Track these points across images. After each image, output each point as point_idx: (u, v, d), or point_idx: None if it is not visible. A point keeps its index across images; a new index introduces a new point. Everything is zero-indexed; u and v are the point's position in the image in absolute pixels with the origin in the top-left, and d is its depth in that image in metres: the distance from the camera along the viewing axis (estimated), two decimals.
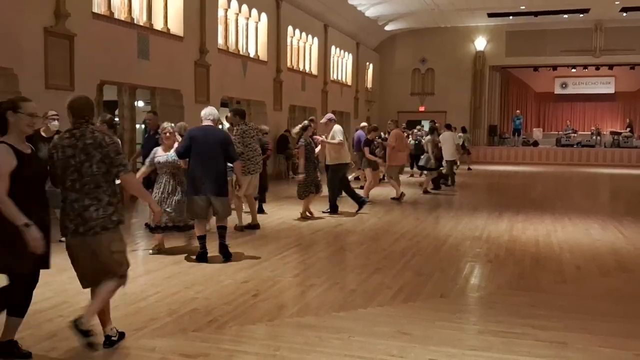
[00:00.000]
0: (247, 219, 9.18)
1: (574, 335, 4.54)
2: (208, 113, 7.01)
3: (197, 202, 6.75)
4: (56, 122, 7.62)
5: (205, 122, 6.95)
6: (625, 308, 5.37)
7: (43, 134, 7.77)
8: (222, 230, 6.97)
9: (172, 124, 7.43)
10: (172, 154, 7.01)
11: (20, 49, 9.49)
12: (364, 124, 15.35)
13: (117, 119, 12.55)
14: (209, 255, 6.92)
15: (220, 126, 7.67)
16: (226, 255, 6.93)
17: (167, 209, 6.97)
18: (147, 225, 7.49)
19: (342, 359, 4.03)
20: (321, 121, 11.28)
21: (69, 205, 4.02)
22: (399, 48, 30.17)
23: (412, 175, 18.88)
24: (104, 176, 4.01)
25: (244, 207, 9.18)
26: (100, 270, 4.08)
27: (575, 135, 29.55)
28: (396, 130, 12.96)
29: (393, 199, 12.82)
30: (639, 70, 29.63)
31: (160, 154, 7.10)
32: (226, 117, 10.21)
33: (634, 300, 5.65)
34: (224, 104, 16.75)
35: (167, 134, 7.08)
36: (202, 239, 6.91)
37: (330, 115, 11.27)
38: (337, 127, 10.84)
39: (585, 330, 4.67)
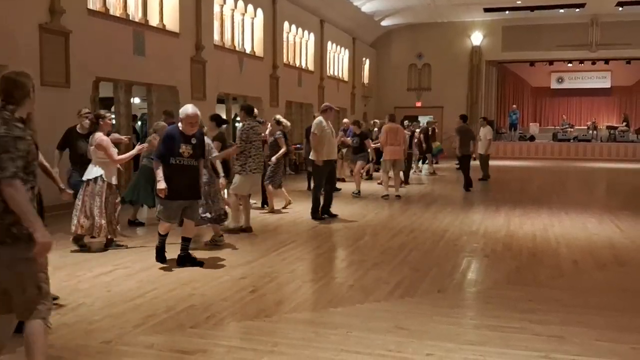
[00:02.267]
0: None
1: (571, 329, 4.55)
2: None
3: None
4: (87, 121, 7.64)
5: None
6: (622, 302, 5.38)
7: (79, 131, 7.87)
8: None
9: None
10: None
11: (15, 46, 9.45)
12: (346, 120, 15.83)
13: (113, 116, 12.53)
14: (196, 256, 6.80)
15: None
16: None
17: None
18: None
19: (339, 354, 4.03)
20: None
21: None
22: (396, 43, 30.15)
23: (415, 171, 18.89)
24: None
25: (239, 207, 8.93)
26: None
27: (572, 129, 29.60)
28: (388, 124, 12.86)
29: (383, 196, 12.56)
30: (635, 64, 29.67)
31: None
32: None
33: (631, 294, 5.66)
34: (220, 101, 16.72)
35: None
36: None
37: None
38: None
39: (582, 324, 4.68)
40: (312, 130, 9.87)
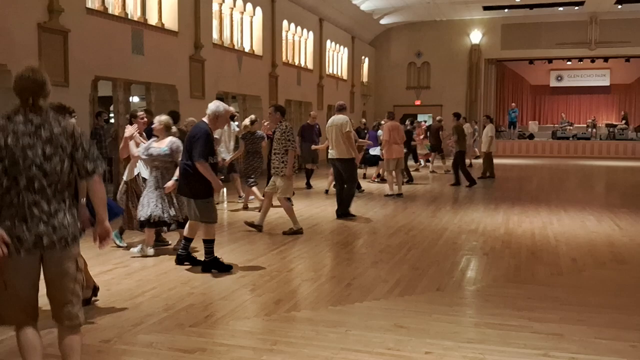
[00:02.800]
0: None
1: (570, 326, 4.55)
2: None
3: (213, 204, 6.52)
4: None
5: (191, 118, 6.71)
6: (621, 299, 5.38)
7: None
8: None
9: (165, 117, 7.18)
10: (164, 147, 6.79)
11: (13, 45, 9.44)
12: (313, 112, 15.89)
13: (112, 115, 12.54)
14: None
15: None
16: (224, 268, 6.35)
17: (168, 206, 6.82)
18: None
19: (338, 353, 4.04)
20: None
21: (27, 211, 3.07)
22: (395, 42, 30.14)
23: (417, 169, 18.88)
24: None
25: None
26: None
27: (571, 127, 29.61)
28: (390, 122, 12.85)
29: (387, 195, 12.59)
30: (634, 62, 29.67)
31: (155, 146, 6.86)
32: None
33: (630, 292, 5.67)
34: (219, 99, 16.69)
35: (158, 127, 6.88)
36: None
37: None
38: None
39: (581, 321, 4.68)
40: (346, 129, 9.72)
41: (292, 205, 8.72)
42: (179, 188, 6.49)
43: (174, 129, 7.14)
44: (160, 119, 6.94)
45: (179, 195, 6.70)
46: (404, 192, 12.83)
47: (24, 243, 3.04)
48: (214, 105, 6.48)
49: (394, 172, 12.74)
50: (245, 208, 10.73)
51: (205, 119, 6.44)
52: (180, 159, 6.55)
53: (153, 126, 7.02)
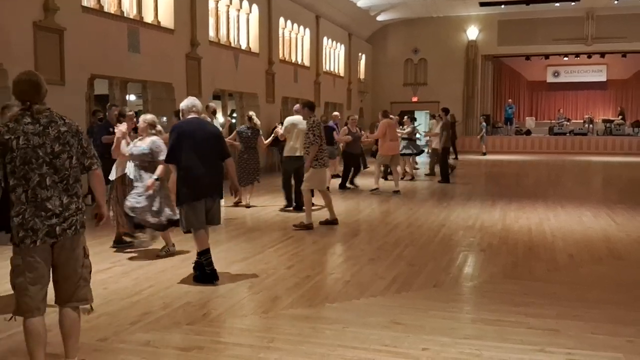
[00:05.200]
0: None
1: (566, 322, 4.57)
2: (191, 104, 5.96)
3: (199, 208, 5.72)
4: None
5: (190, 115, 5.91)
6: (617, 295, 5.40)
7: None
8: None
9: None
10: (144, 146, 6.62)
11: (9, 44, 9.41)
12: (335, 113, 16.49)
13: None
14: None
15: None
16: (209, 278, 5.72)
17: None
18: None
19: (336, 350, 4.04)
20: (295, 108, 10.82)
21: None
22: (391, 38, 30.12)
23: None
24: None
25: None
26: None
27: (568, 123, 29.63)
28: (385, 120, 12.92)
29: (372, 190, 12.78)
30: (630, 58, 29.69)
31: (138, 145, 6.73)
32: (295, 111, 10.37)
33: (626, 287, 5.68)
34: (216, 97, 16.70)
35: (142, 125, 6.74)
36: (207, 252, 5.76)
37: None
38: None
39: (578, 317, 4.70)
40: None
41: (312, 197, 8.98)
42: None
43: (158, 127, 7.02)
44: (145, 118, 6.78)
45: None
46: (400, 189, 12.83)
47: (38, 233, 3.33)
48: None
49: (381, 167, 13.18)
50: (248, 206, 10.61)
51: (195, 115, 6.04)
52: (161, 158, 6.41)
53: (138, 125, 6.92)
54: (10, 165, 3.30)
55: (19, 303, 3.38)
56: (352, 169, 13.52)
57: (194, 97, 6.17)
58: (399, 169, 13.80)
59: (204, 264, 5.71)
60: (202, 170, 5.65)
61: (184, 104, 6.00)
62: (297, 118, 10.06)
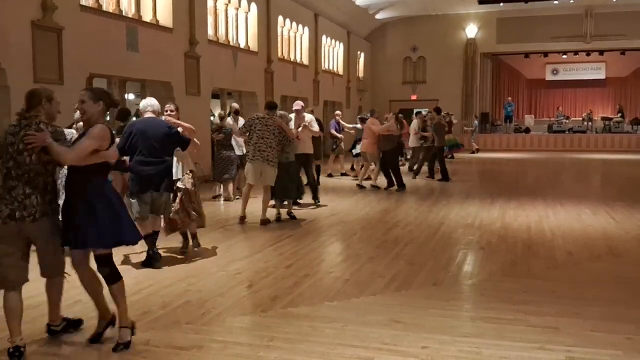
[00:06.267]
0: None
1: (565, 320, 4.57)
2: (147, 104, 6.41)
3: (144, 200, 6.26)
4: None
5: (146, 114, 6.35)
6: (616, 293, 5.41)
7: None
8: (156, 235, 6.49)
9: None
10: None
11: (7, 43, 9.39)
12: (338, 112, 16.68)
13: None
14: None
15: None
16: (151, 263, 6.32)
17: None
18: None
19: (335, 348, 4.04)
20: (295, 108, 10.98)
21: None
22: (390, 37, 30.10)
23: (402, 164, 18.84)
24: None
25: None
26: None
27: (567, 121, 29.63)
28: (373, 119, 13.13)
29: (373, 186, 13.02)
30: (629, 55, 29.67)
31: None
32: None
33: (625, 285, 5.69)
34: (215, 96, 16.68)
35: None
36: (149, 236, 6.32)
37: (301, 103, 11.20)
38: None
39: (577, 315, 4.70)
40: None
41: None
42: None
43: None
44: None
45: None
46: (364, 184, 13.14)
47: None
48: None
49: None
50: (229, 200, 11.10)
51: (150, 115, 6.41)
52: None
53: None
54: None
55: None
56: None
57: (152, 98, 6.69)
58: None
59: (148, 248, 6.35)
60: (148, 165, 6.16)
61: (141, 104, 6.51)
62: (291, 115, 10.39)
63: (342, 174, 15.94)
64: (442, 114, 16.26)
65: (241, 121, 10.82)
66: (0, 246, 3.90)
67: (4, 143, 3.94)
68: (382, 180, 13.11)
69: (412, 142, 16.55)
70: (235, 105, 12.13)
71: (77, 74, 10.70)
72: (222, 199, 11.25)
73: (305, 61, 22.16)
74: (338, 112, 16.75)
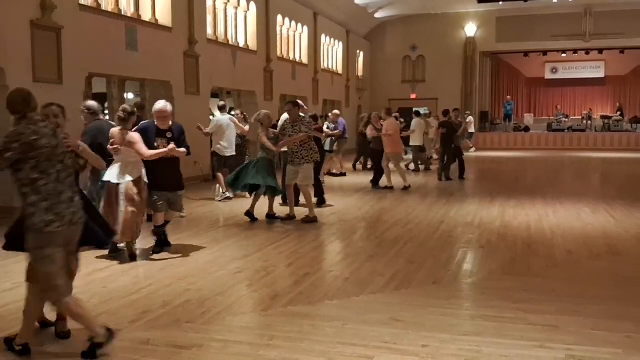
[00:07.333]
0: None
1: (565, 318, 4.57)
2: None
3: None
4: None
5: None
6: (616, 291, 5.41)
7: None
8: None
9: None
10: None
11: (6, 43, 9.38)
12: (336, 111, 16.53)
13: (106, 112, 12.53)
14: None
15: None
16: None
17: None
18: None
19: (335, 347, 4.04)
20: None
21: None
22: (390, 36, 30.08)
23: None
24: None
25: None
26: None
27: (567, 120, 29.64)
28: (391, 118, 13.03)
29: (404, 188, 12.69)
30: (628, 54, 29.66)
31: None
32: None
33: (625, 283, 5.69)
34: (214, 95, 16.68)
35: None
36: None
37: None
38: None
39: (577, 313, 4.70)
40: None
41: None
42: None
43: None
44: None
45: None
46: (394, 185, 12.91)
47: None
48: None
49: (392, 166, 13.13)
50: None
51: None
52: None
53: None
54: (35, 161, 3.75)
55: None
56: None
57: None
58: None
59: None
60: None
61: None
62: (285, 116, 10.28)
63: (340, 174, 15.88)
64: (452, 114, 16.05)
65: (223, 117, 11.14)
66: (59, 255, 3.84)
67: (47, 145, 3.76)
68: (397, 180, 13.11)
69: (413, 141, 16.53)
70: (222, 102, 12.03)
71: (77, 73, 10.70)
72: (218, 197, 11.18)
73: (305, 60, 22.16)
74: (336, 111, 16.67)
